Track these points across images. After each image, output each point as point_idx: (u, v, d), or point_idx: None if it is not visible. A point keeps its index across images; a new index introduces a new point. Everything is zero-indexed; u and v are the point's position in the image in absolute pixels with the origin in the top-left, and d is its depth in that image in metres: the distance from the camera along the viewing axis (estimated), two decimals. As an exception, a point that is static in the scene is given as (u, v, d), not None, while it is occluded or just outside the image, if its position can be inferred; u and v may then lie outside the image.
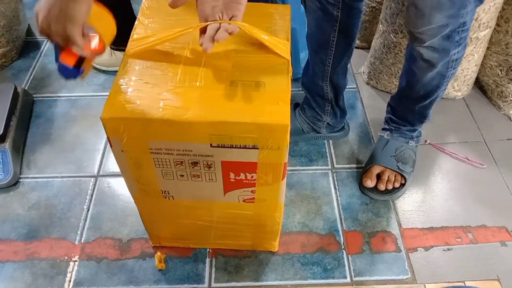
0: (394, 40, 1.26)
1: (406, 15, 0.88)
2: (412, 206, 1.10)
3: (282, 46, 0.72)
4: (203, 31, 0.68)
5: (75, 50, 0.62)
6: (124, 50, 0.73)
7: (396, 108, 1.14)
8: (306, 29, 1.06)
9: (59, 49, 0.63)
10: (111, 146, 0.69)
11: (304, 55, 1.46)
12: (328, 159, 1.20)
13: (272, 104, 0.65)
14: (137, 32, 0.76)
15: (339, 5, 0.94)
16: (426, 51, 0.91)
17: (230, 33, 0.66)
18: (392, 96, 1.16)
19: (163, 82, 0.68)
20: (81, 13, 0.59)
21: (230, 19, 0.67)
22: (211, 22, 0.66)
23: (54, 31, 0.60)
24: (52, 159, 1.19)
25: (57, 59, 0.64)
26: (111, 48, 1.39)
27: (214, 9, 0.66)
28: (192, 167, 0.73)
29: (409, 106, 1.09)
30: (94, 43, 0.64)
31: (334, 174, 1.17)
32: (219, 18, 0.66)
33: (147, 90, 0.67)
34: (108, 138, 0.67)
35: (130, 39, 0.75)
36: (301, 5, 1.31)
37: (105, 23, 0.67)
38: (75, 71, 0.64)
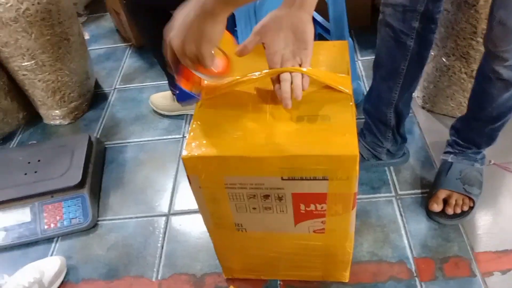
0: (447, 63, 1.27)
1: (490, 34, 0.88)
2: (483, 229, 1.07)
3: (343, 81, 0.76)
4: (275, 78, 0.73)
5: (202, 69, 0.67)
6: None
7: (462, 131, 1.13)
8: (375, 57, 1.07)
9: (176, 74, 0.70)
10: (190, 183, 0.74)
11: (355, 85, 1.49)
12: (391, 186, 1.20)
13: (340, 135, 0.68)
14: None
15: (413, 36, 0.96)
16: (505, 70, 0.91)
17: (304, 89, 0.71)
18: (458, 118, 1.15)
19: (235, 121, 0.73)
20: (217, 33, 0.63)
21: (299, 66, 0.71)
22: (280, 70, 0.71)
23: (188, 50, 0.64)
24: (125, 201, 1.27)
25: (174, 86, 0.70)
26: (173, 93, 1.48)
27: (283, 58, 0.71)
28: (264, 200, 0.76)
29: (479, 129, 1.08)
30: (221, 64, 0.70)
31: (399, 201, 1.16)
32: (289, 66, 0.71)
33: (221, 129, 0.72)
34: (187, 176, 0.72)
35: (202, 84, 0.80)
36: (349, 38, 1.35)
37: (231, 47, 0.73)
38: (191, 94, 0.72)
